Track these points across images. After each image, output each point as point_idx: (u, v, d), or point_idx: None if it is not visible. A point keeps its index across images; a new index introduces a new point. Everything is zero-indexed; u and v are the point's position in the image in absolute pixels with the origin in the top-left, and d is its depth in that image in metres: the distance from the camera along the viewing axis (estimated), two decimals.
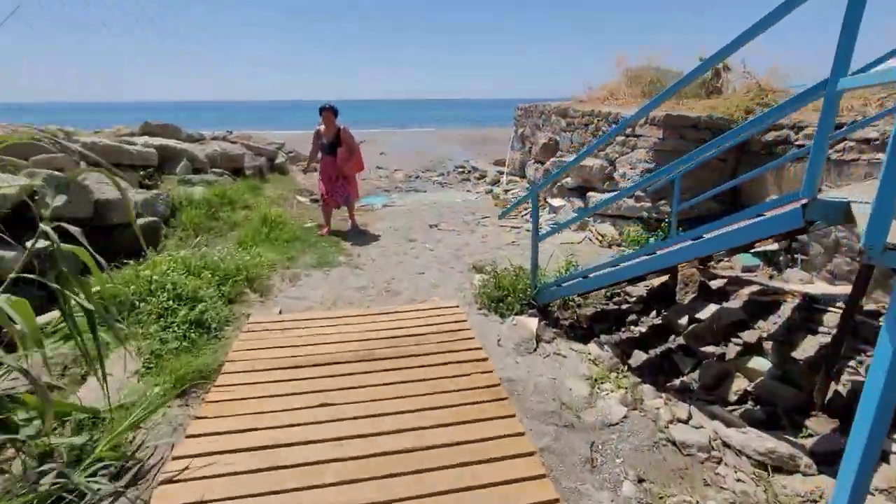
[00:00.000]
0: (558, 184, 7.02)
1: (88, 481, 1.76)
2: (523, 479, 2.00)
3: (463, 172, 12.81)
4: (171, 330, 3.16)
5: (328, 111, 5.41)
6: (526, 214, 7.18)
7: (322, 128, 5.56)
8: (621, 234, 5.31)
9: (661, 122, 4.73)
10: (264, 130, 31.97)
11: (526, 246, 5.48)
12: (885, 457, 2.07)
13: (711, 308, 3.23)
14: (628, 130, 5.39)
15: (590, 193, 6.06)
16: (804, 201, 1.93)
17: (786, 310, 3.01)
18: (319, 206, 6.77)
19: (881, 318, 2.31)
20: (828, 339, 2.67)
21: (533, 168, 8.34)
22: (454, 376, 2.76)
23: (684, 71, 8.34)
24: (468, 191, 9.82)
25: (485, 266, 4.72)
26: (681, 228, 4.72)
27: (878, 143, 3.63)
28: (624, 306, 3.91)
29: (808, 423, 2.40)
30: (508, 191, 8.93)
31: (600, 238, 5.33)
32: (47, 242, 1.41)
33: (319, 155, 5.80)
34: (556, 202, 6.69)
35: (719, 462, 2.27)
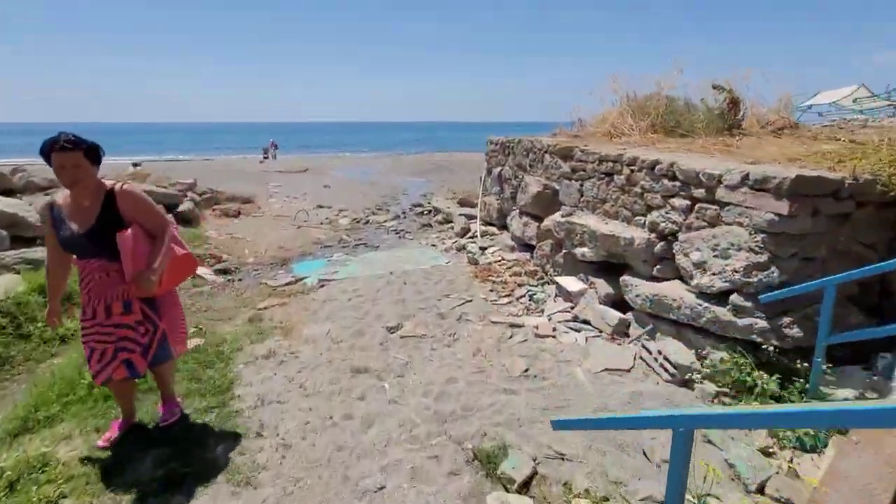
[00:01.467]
0: (568, 251, 4.94)
1: None
2: None
3: (422, 214, 10.60)
4: None
5: (69, 153, 2.08)
6: (522, 296, 5.03)
7: (59, 197, 2.29)
8: (701, 358, 3.24)
9: (788, 189, 2.74)
10: (184, 158, 28.19)
11: (549, 375, 3.29)
12: None
13: None
14: (698, 192, 3.38)
15: (628, 279, 3.99)
16: None
17: None
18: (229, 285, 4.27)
19: None
20: None
21: (521, 223, 6.24)
22: None
23: (695, 101, 6.65)
24: (433, 245, 7.58)
25: (497, 457, 2.48)
26: (828, 368, 2.71)
27: None
28: None
29: None
30: (486, 249, 6.77)
31: (666, 366, 3.23)
32: None
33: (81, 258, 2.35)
34: (572, 284, 4.57)
35: None
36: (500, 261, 6.26)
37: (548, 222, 5.30)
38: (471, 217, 8.72)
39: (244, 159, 28.20)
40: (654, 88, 6.30)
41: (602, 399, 3.07)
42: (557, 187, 5.57)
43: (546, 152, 5.82)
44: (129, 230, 2.22)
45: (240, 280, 5.88)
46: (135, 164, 13.31)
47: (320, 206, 11.66)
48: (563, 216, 4.98)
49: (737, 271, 2.98)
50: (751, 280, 2.91)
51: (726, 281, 3.04)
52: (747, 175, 3.00)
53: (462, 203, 10.60)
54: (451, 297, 5.07)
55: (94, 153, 2.18)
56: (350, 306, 4.82)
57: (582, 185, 4.98)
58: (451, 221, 9.31)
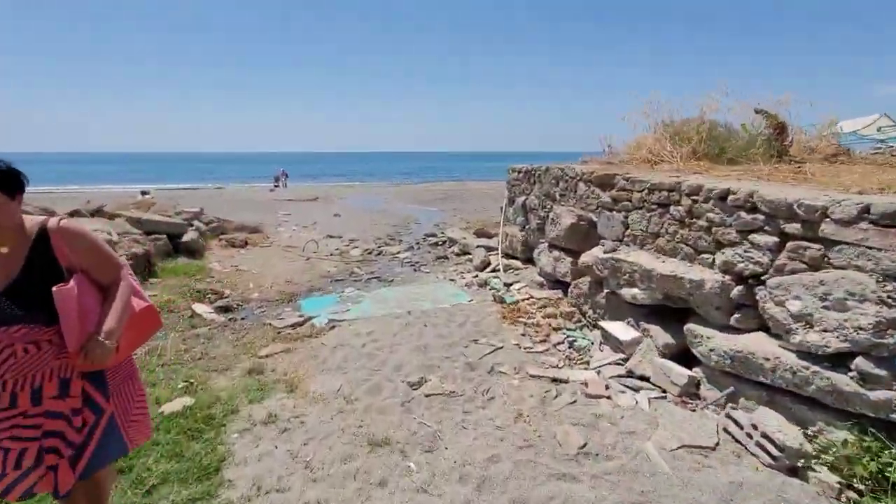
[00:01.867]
0: (612, 291, 4.31)
1: None
2: None
3: (437, 245, 10.03)
4: None
5: None
6: (560, 343, 4.37)
7: None
8: (811, 437, 2.56)
9: None
10: (194, 186, 28.05)
11: (613, 452, 2.60)
12: None
13: None
14: (790, 227, 2.77)
15: (695, 328, 3.34)
16: None
17: None
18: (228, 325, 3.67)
19: None
20: None
21: (551, 257, 5.63)
22: None
23: (737, 126, 6.13)
24: (452, 280, 6.97)
25: None
26: None
27: None
28: None
29: None
30: (512, 285, 6.15)
31: (766, 445, 2.54)
32: None
33: None
34: (622, 331, 3.92)
35: None
36: (528, 299, 5.63)
37: (587, 258, 4.68)
38: (490, 249, 8.14)
39: (254, 188, 28.15)
40: (689, 112, 5.80)
41: (690, 492, 2.38)
42: (595, 219, 4.99)
43: (580, 180, 5.27)
44: (72, 281, 1.62)
45: (242, 319, 5.28)
46: (143, 193, 12.99)
47: (330, 237, 11.15)
48: (605, 252, 4.37)
49: (862, 329, 2.33)
50: (884, 341, 2.27)
51: (846, 340, 2.39)
52: (867, 208, 2.39)
53: (478, 234, 10.05)
54: (480, 342, 4.42)
55: (7, 182, 1.55)
56: (364, 354, 4.19)
57: (627, 217, 4.39)
58: (469, 253, 8.74)
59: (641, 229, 4.18)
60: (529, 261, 6.68)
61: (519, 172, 7.08)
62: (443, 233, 10.70)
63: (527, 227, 6.71)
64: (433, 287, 6.45)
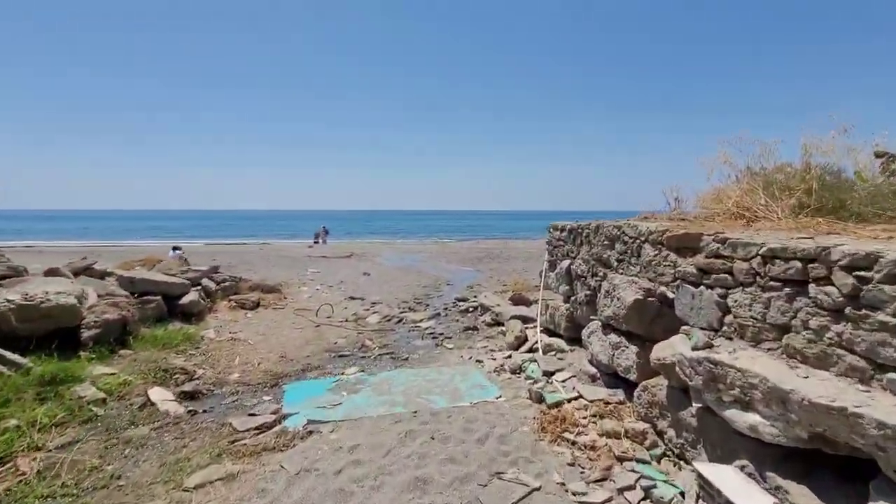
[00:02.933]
0: (707, 407, 2.79)
1: None
2: None
3: (466, 312, 8.69)
4: None
5: None
6: (630, 487, 2.83)
7: None
8: None
9: None
10: (241, 242, 28.35)
11: None
12: None
13: None
14: None
15: None
16: None
17: None
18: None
19: None
20: None
21: (607, 343, 4.17)
22: None
23: (848, 173, 4.65)
24: (479, 361, 5.56)
25: None
26: None
27: None
28: None
29: None
30: (554, 374, 4.66)
31: None
32: None
33: None
34: (742, 494, 2.35)
35: None
36: (576, 399, 4.13)
37: (663, 351, 3.21)
38: (527, 320, 6.70)
39: (297, 244, 28.28)
40: (785, 156, 4.40)
41: None
42: (670, 295, 3.55)
43: (646, 241, 3.89)
44: None
45: (204, 412, 4.09)
46: (175, 248, 12.69)
47: (352, 298, 10.09)
48: (696, 347, 2.90)
49: None
50: None
51: None
52: None
53: (515, 301, 8.63)
54: (506, 476, 2.96)
55: None
56: (334, 490, 2.82)
57: (726, 297, 2.95)
58: (502, 324, 7.32)
59: (754, 317, 2.71)
60: (576, 340, 5.20)
61: (562, 231, 5.78)
62: (475, 297, 9.35)
63: (573, 298, 5.29)
64: (453, 373, 5.06)
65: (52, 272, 5.31)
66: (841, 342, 2.21)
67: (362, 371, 5.23)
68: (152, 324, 6.23)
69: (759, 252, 2.68)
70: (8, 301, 4.26)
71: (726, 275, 2.95)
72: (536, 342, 5.74)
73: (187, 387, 4.46)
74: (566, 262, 5.53)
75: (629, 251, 4.18)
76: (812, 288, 2.35)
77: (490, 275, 14.03)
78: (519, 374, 5.00)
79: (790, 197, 4.13)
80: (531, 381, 4.73)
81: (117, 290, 5.76)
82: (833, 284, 2.24)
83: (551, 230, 6.20)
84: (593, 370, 4.44)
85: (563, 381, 4.59)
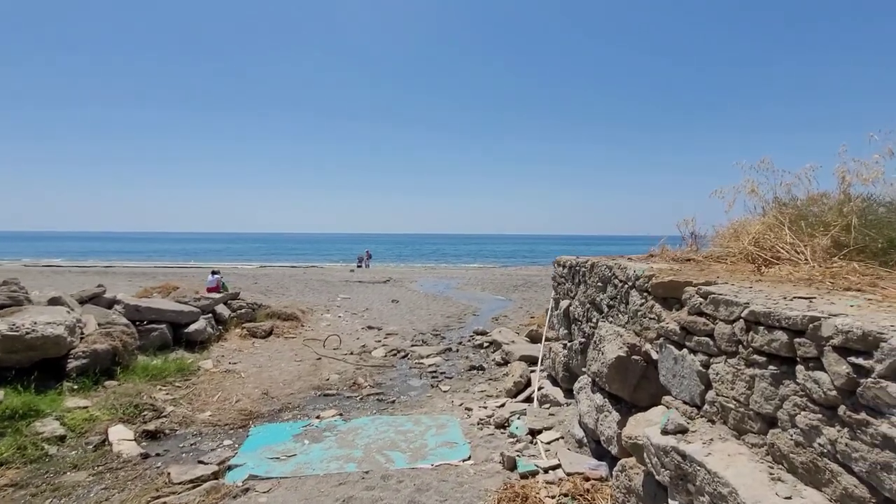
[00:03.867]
0: None
1: None
2: None
3: (480, 348, 8.15)
4: None
5: None
6: None
7: None
8: None
9: None
10: (288, 265, 29.21)
11: None
12: None
13: None
14: None
15: None
16: None
17: None
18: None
19: None
20: None
21: (593, 403, 3.54)
22: None
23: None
24: (468, 410, 5.03)
25: None
26: None
27: None
28: None
29: None
30: (539, 434, 4.07)
31: None
32: None
33: None
34: None
35: None
36: (554, 468, 3.52)
37: (637, 429, 2.59)
38: (535, 362, 6.09)
39: (343, 266, 28.99)
40: (822, 184, 3.63)
41: None
42: (655, 354, 2.93)
43: (633, 287, 3.29)
44: None
45: (157, 455, 3.92)
46: (213, 272, 13.19)
47: (370, 328, 9.87)
48: (666, 432, 2.28)
49: None
50: None
51: None
52: None
53: (533, 337, 7.99)
54: None
55: None
56: None
57: (708, 366, 2.32)
58: (508, 365, 6.74)
59: (736, 399, 2.08)
60: (572, 394, 4.55)
61: (563, 267, 5.20)
62: (494, 335, 8.75)
63: (570, 343, 4.67)
64: (431, 423, 4.58)
65: (54, 301, 5.53)
66: (835, 453, 1.57)
67: (339, 415, 4.89)
68: (154, 352, 6.31)
69: (742, 314, 2.06)
70: None
71: (708, 338, 2.33)
72: (534, 392, 5.14)
73: (151, 425, 4.34)
74: (565, 303, 4.95)
75: (619, 296, 3.58)
76: (800, 370, 1.73)
77: (521, 304, 13.32)
78: (504, 429, 4.43)
79: (825, 235, 3.37)
80: (513, 439, 4.15)
81: (118, 319, 5.90)
82: (824, 369, 1.61)
83: (555, 265, 5.63)
84: (581, 433, 3.80)
85: (548, 444, 3.98)
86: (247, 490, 3.33)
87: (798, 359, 1.75)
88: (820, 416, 1.64)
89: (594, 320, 4.03)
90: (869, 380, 1.44)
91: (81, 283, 15.40)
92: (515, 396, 5.41)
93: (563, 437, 4.00)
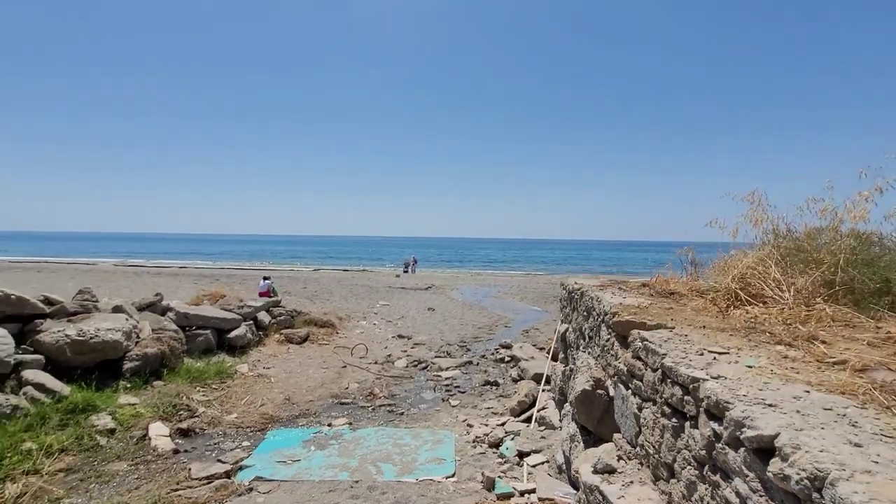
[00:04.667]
0: None
1: None
2: None
3: (501, 362, 8.31)
4: None
5: None
6: None
7: None
8: None
9: None
10: (339, 268, 30.78)
11: None
12: None
13: None
14: None
15: None
16: None
17: None
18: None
19: None
20: None
21: (569, 432, 3.66)
22: None
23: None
24: (469, 425, 5.26)
25: None
26: None
27: None
28: None
29: None
30: (527, 456, 4.22)
31: None
32: None
33: None
34: None
35: None
36: (531, 492, 3.68)
37: (585, 463, 2.73)
38: (550, 380, 6.18)
39: (390, 270, 30.03)
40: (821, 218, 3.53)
41: None
42: (612, 391, 3.03)
43: (603, 321, 3.40)
44: None
45: (186, 451, 4.52)
46: (265, 278, 14.29)
47: (400, 336, 10.32)
48: (596, 471, 2.42)
49: None
50: None
51: None
52: None
53: (554, 355, 8.02)
54: None
55: None
56: None
57: (641, 409, 2.43)
58: (523, 378, 6.87)
59: (653, 444, 2.19)
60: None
61: (565, 291, 5.30)
62: (516, 349, 8.87)
63: (563, 369, 4.77)
64: (427, 438, 4.86)
65: (117, 309, 6.42)
66: None
67: (349, 424, 5.30)
68: (199, 355, 7.10)
69: (660, 363, 2.18)
70: (66, 336, 5.26)
71: (640, 383, 2.44)
72: (534, 413, 5.27)
73: (184, 424, 4.97)
74: (563, 327, 5.05)
75: (595, 328, 3.68)
76: (687, 426, 1.84)
77: (555, 317, 13.19)
78: (497, 448, 4.62)
79: (815, 271, 3.31)
80: (502, 459, 4.34)
81: (168, 325, 6.72)
82: (697, 427, 1.73)
83: (561, 287, 5.72)
84: (562, 460, 3.92)
85: (534, 467, 4.13)
86: (250, 490, 3.80)
87: (687, 415, 1.86)
88: (696, 472, 1.75)
89: (581, 347, 4.14)
90: (720, 443, 1.56)
91: (154, 285, 17.22)
92: (519, 415, 5.56)
93: (547, 462, 4.14)
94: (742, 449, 1.42)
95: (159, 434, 4.73)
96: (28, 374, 4.74)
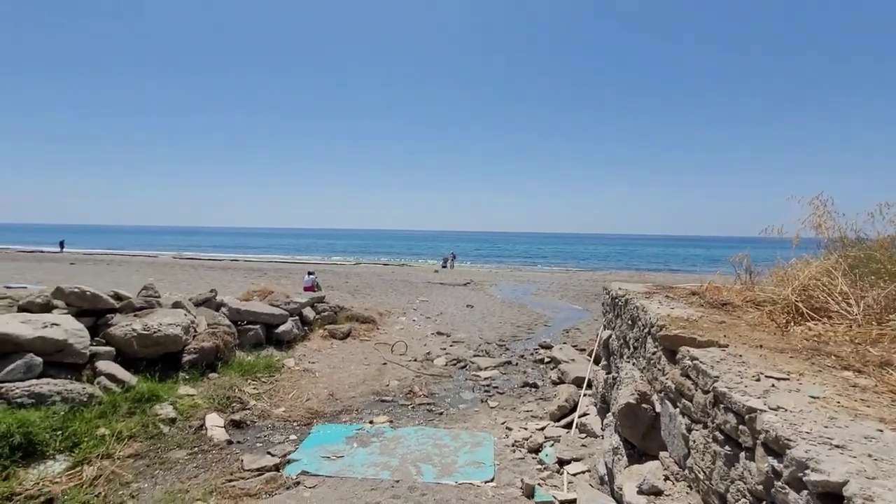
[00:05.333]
0: None
1: None
2: None
3: (540, 363, 8.22)
4: None
5: None
6: None
7: None
8: None
9: None
10: (382, 262, 31.41)
11: None
12: None
13: None
14: None
15: None
16: None
17: None
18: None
19: None
20: None
21: (612, 444, 3.58)
22: None
23: None
24: (509, 428, 5.24)
25: None
26: None
27: None
28: None
29: None
30: (568, 464, 4.17)
31: None
32: None
33: None
34: None
35: None
36: (571, 502, 3.63)
37: (627, 481, 2.67)
38: (580, 388, 6.06)
39: (430, 265, 30.34)
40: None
41: None
42: (659, 407, 2.93)
43: (649, 333, 3.29)
44: None
45: (239, 442, 4.78)
46: (309, 273, 14.78)
47: (439, 333, 10.41)
48: (641, 492, 2.36)
49: None
50: None
51: None
52: None
53: (596, 358, 7.84)
54: None
55: None
56: None
57: (690, 430, 2.34)
58: (564, 381, 6.77)
59: (703, 469, 2.11)
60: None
61: (608, 296, 5.16)
62: (556, 350, 8.74)
63: (606, 376, 4.66)
64: (466, 440, 4.89)
65: (176, 304, 6.83)
66: None
67: (390, 422, 5.42)
68: (250, 349, 7.45)
69: (713, 387, 2.09)
70: (133, 330, 5.67)
71: (690, 403, 2.35)
72: (575, 419, 5.18)
73: (237, 416, 5.25)
74: (606, 334, 4.92)
75: (640, 339, 3.57)
76: (741, 457, 1.76)
77: (597, 316, 12.89)
78: (536, 454, 4.59)
79: (890, 285, 3.07)
80: (541, 466, 4.31)
81: (223, 320, 7.09)
82: (754, 461, 1.65)
83: (604, 292, 5.57)
84: (604, 471, 3.84)
85: (574, 475, 4.07)
86: (297, 484, 3.96)
87: (741, 445, 1.77)
88: None
89: (625, 356, 4.02)
90: (779, 482, 1.48)
91: (209, 279, 18.19)
92: (559, 420, 5.49)
93: (589, 471, 4.06)
94: (805, 492, 1.34)
95: (214, 425, 5.02)
96: (101, 364, 5.15)
